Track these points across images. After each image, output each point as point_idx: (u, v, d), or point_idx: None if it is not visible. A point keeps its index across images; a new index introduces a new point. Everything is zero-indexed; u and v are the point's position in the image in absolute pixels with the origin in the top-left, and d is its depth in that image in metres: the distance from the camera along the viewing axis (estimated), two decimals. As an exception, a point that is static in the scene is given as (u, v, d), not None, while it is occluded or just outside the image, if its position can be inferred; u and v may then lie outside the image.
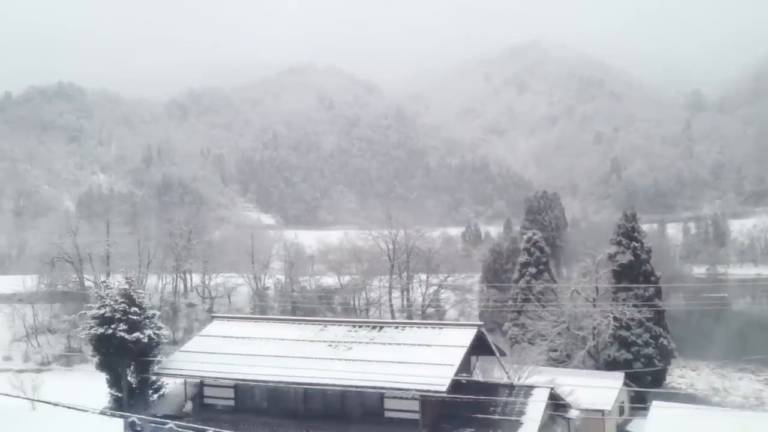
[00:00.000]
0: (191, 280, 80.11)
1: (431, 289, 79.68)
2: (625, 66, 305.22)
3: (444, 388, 20.82)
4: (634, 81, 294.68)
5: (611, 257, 42.88)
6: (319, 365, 23.17)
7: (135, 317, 23.51)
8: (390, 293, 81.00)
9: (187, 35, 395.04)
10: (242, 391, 24.43)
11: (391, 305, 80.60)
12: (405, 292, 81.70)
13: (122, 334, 23.13)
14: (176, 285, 76.76)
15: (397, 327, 25.10)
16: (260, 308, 72.67)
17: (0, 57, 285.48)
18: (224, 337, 26.01)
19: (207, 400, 25.00)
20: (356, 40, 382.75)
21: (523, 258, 48.55)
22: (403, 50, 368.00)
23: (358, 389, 22.03)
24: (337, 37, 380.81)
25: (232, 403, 24.61)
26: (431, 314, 72.36)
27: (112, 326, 23.13)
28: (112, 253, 73.27)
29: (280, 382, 22.75)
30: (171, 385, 26.19)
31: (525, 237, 49.33)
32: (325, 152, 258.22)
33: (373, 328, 25.19)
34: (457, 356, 22.20)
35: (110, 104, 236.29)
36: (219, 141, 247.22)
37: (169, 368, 24.62)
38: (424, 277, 78.97)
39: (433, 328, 24.60)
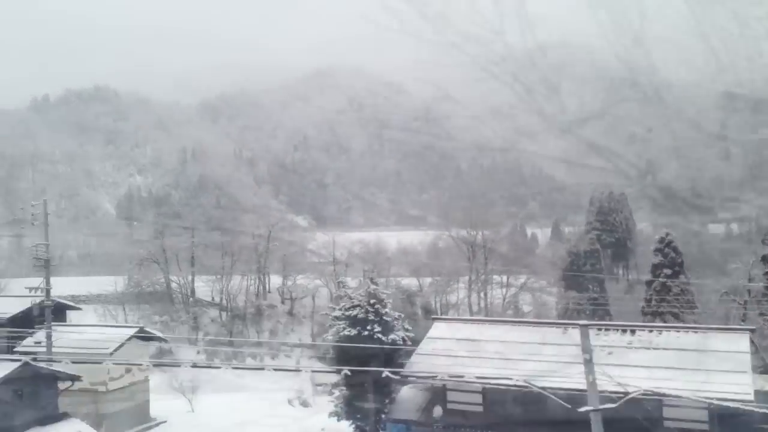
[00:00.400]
0: (269, 281, 79.39)
1: (512, 291, 79.15)
2: (657, 66, 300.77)
3: (750, 397, 19.51)
4: (667, 81, 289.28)
5: (765, 259, 41.51)
6: (581, 370, 21.88)
7: (387, 318, 22.40)
8: (469, 295, 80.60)
9: (215, 37, 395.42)
10: (492, 396, 23.21)
11: (470, 307, 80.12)
12: (483, 294, 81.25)
13: (379, 335, 22.00)
14: (258, 287, 76.15)
15: (651, 330, 23.79)
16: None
17: (37, 59, 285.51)
18: (457, 339, 24.79)
19: (451, 406, 23.81)
20: (382, 41, 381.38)
21: (656, 259, 47.27)
22: (429, 51, 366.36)
23: (676, 398, 20.62)
24: (362, 38, 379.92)
25: (480, 408, 23.40)
26: (510, 316, 71.68)
27: (368, 328, 22.01)
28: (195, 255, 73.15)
29: (557, 388, 21.43)
30: (403, 390, 25.04)
31: (657, 238, 48.10)
32: (355, 154, 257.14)
33: (624, 331, 23.92)
34: (746, 363, 20.90)
35: (144, 107, 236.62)
36: (250, 143, 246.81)
37: (414, 371, 23.42)
38: (500, 278, 78.37)
39: (695, 332, 23.29)
